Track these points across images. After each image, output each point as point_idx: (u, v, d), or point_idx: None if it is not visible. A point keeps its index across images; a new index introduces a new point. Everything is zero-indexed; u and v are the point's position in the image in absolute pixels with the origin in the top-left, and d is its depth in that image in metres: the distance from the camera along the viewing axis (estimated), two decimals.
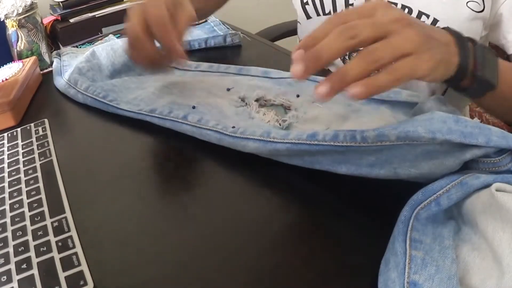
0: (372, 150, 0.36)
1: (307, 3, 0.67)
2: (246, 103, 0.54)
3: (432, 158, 0.35)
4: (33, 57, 0.68)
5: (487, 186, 0.32)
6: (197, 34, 0.79)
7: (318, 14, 0.67)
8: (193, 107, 0.52)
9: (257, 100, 0.53)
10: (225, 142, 0.46)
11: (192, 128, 0.48)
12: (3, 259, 0.35)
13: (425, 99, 0.47)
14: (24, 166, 0.47)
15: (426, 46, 0.35)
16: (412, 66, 0.34)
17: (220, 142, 0.46)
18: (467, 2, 0.56)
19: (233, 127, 0.47)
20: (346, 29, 0.33)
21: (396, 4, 0.59)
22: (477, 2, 0.56)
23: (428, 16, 0.57)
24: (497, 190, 0.31)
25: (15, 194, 0.43)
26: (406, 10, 0.58)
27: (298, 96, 0.53)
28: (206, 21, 0.84)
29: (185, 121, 0.49)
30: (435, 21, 0.57)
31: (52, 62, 0.72)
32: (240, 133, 0.45)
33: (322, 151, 0.39)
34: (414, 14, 0.58)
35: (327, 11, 0.66)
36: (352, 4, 0.62)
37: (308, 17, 0.69)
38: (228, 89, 0.56)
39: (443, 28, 0.43)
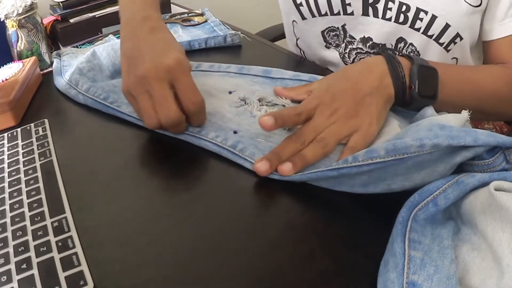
0: (364, 171, 0.36)
1: (301, 4, 0.67)
2: (247, 103, 0.54)
3: (424, 168, 0.35)
4: (33, 57, 0.68)
5: (484, 184, 0.32)
6: (197, 34, 0.79)
7: (313, 16, 0.67)
8: None
9: (258, 100, 0.53)
10: (223, 154, 0.46)
11: (192, 138, 0.49)
12: (3, 259, 0.35)
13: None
14: (24, 166, 0.47)
15: (360, 118, 0.44)
16: (361, 143, 0.44)
17: (219, 153, 0.46)
18: None
19: (235, 132, 0.47)
20: (317, 143, 0.44)
21: (393, 1, 0.58)
22: None
23: (426, 12, 0.57)
24: (496, 190, 0.31)
25: (15, 194, 0.43)
26: (404, 7, 0.58)
27: None
28: (206, 21, 0.84)
29: (185, 131, 0.49)
30: (433, 17, 0.57)
31: (52, 62, 0.72)
32: (239, 150, 0.45)
33: (315, 179, 0.40)
34: (412, 11, 0.58)
35: (323, 12, 0.65)
36: (349, 4, 0.62)
37: (303, 18, 0.68)
38: (230, 92, 0.56)
39: (380, 54, 0.48)
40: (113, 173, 0.46)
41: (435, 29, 0.58)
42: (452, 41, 0.59)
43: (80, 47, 0.79)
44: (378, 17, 0.61)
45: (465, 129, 0.34)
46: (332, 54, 0.70)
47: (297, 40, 0.75)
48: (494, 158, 0.34)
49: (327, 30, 0.68)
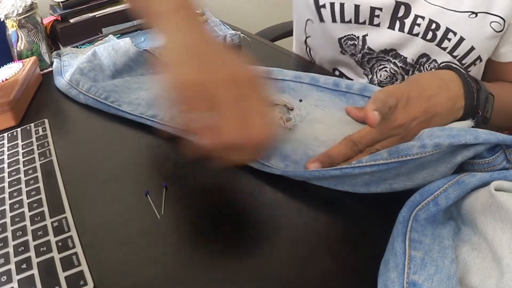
0: (367, 172, 0.37)
1: (323, 6, 0.63)
2: None
3: (425, 168, 0.35)
4: (33, 57, 0.68)
5: (485, 183, 0.32)
6: None
7: (334, 21, 0.63)
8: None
9: None
10: None
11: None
12: (3, 259, 0.35)
13: None
14: (24, 166, 0.47)
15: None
16: None
17: None
18: (491, 22, 0.56)
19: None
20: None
21: (423, 18, 0.58)
22: (499, 23, 0.56)
23: (455, 33, 0.57)
24: (496, 190, 0.31)
25: (15, 194, 0.43)
26: (434, 25, 0.58)
27: (300, 100, 0.54)
28: (206, 21, 0.84)
29: None
30: (461, 39, 0.57)
31: (52, 62, 0.72)
32: None
33: (317, 178, 0.40)
34: (442, 31, 0.58)
35: (347, 20, 0.62)
36: (378, 16, 0.60)
37: (321, 20, 0.65)
38: None
39: (452, 70, 0.48)
40: (113, 173, 0.46)
41: (460, 50, 0.58)
42: (473, 63, 0.60)
43: (80, 47, 0.79)
44: (404, 32, 0.60)
45: (465, 129, 0.34)
46: (347, 60, 0.69)
47: (307, 37, 0.73)
48: (495, 156, 0.34)
49: (345, 38, 0.65)
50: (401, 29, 0.60)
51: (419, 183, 0.36)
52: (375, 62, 0.66)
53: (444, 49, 0.59)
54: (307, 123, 0.49)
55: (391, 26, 0.61)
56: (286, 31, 1.05)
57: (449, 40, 0.58)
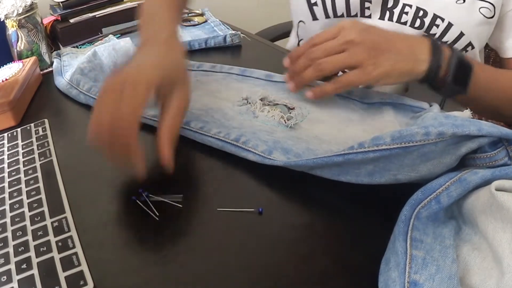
0: (369, 159, 0.36)
1: (315, 4, 0.65)
2: (249, 102, 0.54)
3: (430, 159, 0.35)
4: (33, 57, 0.68)
5: (486, 181, 0.32)
6: (197, 35, 0.79)
7: (327, 17, 0.65)
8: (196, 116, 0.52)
9: (261, 100, 0.54)
10: (227, 149, 0.46)
11: (194, 134, 0.49)
12: (3, 259, 0.35)
13: (427, 106, 0.49)
14: (24, 166, 0.47)
15: (372, 60, 0.46)
16: (352, 77, 0.47)
17: (223, 149, 0.46)
18: (479, 8, 0.56)
19: (237, 134, 0.47)
20: (315, 65, 0.49)
21: (411, 6, 0.59)
22: (488, 8, 0.56)
23: (443, 19, 0.58)
24: (497, 190, 0.31)
25: (15, 194, 0.43)
26: (421, 12, 0.58)
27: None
28: (206, 21, 0.84)
29: (188, 127, 0.49)
30: (449, 25, 0.57)
31: (52, 62, 0.72)
32: (242, 142, 0.45)
33: (320, 166, 0.40)
34: (429, 17, 0.58)
35: (339, 14, 0.64)
36: (368, 8, 0.61)
37: (315, 18, 0.67)
38: (232, 94, 0.57)
39: (425, 36, 0.50)
40: (113, 173, 0.46)
41: (450, 36, 0.58)
42: (464, 49, 0.60)
43: (80, 47, 0.79)
44: (392, 21, 0.61)
45: (469, 119, 0.34)
46: None
47: (299, 41, 0.75)
48: (497, 151, 0.34)
49: None
50: (390, 18, 0.61)
51: (424, 174, 0.36)
52: None
53: (433, 35, 0.59)
54: (308, 122, 0.49)
55: (382, 17, 0.62)
56: (286, 31, 1.05)
57: (437, 26, 0.58)
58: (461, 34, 0.58)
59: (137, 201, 0.41)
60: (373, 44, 0.47)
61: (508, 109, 0.56)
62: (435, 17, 0.58)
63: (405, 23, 0.60)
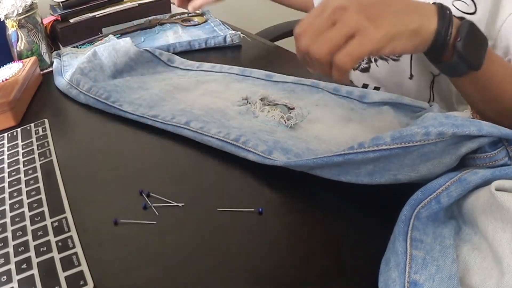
0: (369, 159, 0.36)
1: None
2: (249, 102, 0.54)
3: (430, 159, 0.35)
4: (33, 57, 0.68)
5: (486, 181, 0.32)
6: (197, 34, 0.79)
7: None
8: (196, 115, 0.52)
9: (261, 100, 0.54)
10: (226, 149, 0.46)
11: (194, 134, 0.49)
12: (3, 259, 0.35)
13: (427, 106, 0.48)
14: (24, 166, 0.47)
15: (370, 21, 0.39)
16: (354, 49, 0.39)
17: (223, 149, 0.46)
18: (452, 1, 0.55)
19: (237, 134, 0.47)
20: (310, 55, 0.41)
21: None
22: (465, 3, 0.54)
23: None
24: (497, 190, 0.31)
25: (15, 194, 0.43)
26: None
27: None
28: (206, 21, 0.84)
29: (187, 127, 0.49)
30: None
31: (52, 62, 0.72)
32: (242, 142, 0.45)
33: (320, 166, 0.40)
34: None
35: None
36: None
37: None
38: (232, 94, 0.57)
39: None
40: (113, 173, 0.46)
41: None
42: None
43: (80, 47, 0.79)
44: None
45: (469, 119, 0.34)
46: None
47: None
48: (497, 151, 0.34)
49: None
50: None
51: (424, 174, 0.36)
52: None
53: None
54: (308, 122, 0.49)
55: None
56: (286, 31, 1.05)
57: None
58: None
59: (143, 194, 0.42)
60: (366, 5, 0.40)
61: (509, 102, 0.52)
62: None
63: None
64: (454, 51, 0.42)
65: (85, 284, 0.33)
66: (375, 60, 0.71)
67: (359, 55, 0.39)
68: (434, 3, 0.43)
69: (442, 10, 0.42)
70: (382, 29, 0.39)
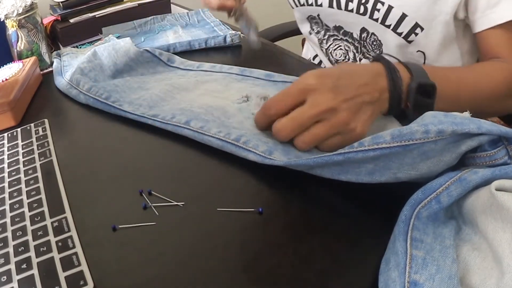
0: (369, 158, 0.36)
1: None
2: (249, 100, 0.54)
3: (429, 158, 0.35)
4: (33, 57, 0.68)
5: (486, 181, 0.32)
6: (197, 34, 0.79)
7: (296, 5, 0.71)
8: (196, 114, 0.52)
9: (261, 99, 0.54)
10: (227, 149, 0.46)
11: (194, 133, 0.49)
12: (3, 259, 0.35)
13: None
14: (24, 166, 0.47)
15: (355, 123, 0.42)
16: (340, 141, 0.42)
17: (223, 148, 0.46)
18: None
19: (238, 134, 0.47)
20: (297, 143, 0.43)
21: None
22: None
23: (383, 3, 0.58)
24: (497, 189, 0.31)
25: (15, 194, 0.43)
26: None
27: None
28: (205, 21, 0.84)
29: (188, 126, 0.49)
30: (390, 8, 0.57)
31: (52, 62, 0.72)
32: (242, 142, 0.45)
33: (321, 165, 0.40)
34: (371, 3, 0.59)
35: (301, 3, 0.69)
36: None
37: (292, 7, 0.74)
38: (232, 94, 0.57)
39: (381, 61, 0.46)
40: (113, 173, 0.46)
41: (392, 19, 0.59)
42: (412, 31, 0.59)
43: (80, 47, 0.79)
44: (341, 9, 0.63)
45: (469, 118, 0.34)
46: (315, 39, 0.75)
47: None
48: (496, 150, 0.34)
49: (309, 18, 0.73)
50: (339, 7, 0.64)
51: (424, 172, 0.36)
52: (332, 42, 0.71)
53: (376, 20, 0.59)
54: None
55: (330, 5, 0.65)
56: (286, 31, 1.05)
57: (378, 10, 0.59)
58: (404, 16, 0.57)
59: (143, 194, 0.42)
60: (349, 98, 0.42)
61: (487, 107, 0.55)
62: (376, 1, 0.59)
63: (351, 11, 0.62)
64: (405, 113, 0.45)
65: (85, 284, 0.33)
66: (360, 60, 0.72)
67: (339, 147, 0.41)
68: (383, 67, 0.45)
69: (393, 84, 0.44)
70: (365, 127, 0.43)
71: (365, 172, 0.38)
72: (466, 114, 0.40)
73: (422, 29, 0.58)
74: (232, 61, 0.65)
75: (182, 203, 0.41)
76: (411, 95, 0.44)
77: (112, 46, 0.67)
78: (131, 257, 0.36)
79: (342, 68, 0.46)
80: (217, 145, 0.47)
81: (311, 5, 0.69)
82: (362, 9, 0.61)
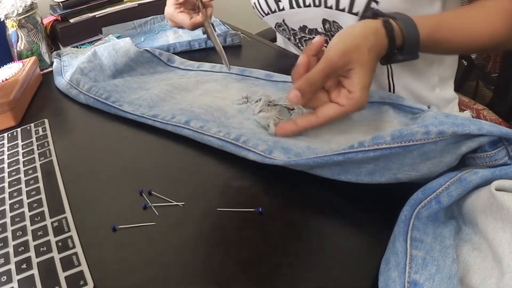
0: (369, 158, 0.36)
1: (254, 5, 0.70)
2: (249, 101, 0.54)
3: (430, 158, 0.35)
4: (33, 57, 0.68)
5: (486, 181, 0.32)
6: (197, 34, 0.79)
7: (262, 15, 0.71)
8: (196, 114, 0.52)
9: (260, 99, 0.54)
10: (227, 148, 0.46)
11: (194, 133, 0.49)
12: (3, 259, 0.35)
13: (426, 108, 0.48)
14: (24, 166, 0.47)
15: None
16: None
17: (223, 148, 0.46)
18: None
19: (237, 133, 0.47)
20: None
21: None
22: None
23: None
24: (497, 190, 0.31)
25: (15, 194, 0.43)
26: None
27: None
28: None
29: (187, 126, 0.49)
30: None
31: (52, 62, 0.72)
32: (242, 142, 0.45)
33: (321, 165, 0.40)
34: None
35: (266, 12, 0.69)
36: (280, 0, 0.65)
37: (260, 17, 0.73)
38: (232, 94, 0.57)
39: (377, 18, 0.49)
40: (113, 173, 0.46)
41: (344, 3, 0.58)
42: (368, 8, 0.58)
43: (80, 47, 0.79)
44: (301, 6, 0.64)
45: (470, 119, 0.34)
46: (293, 45, 0.76)
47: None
48: (497, 151, 0.34)
49: (276, 26, 0.72)
50: (298, 5, 0.64)
51: (424, 173, 0.36)
52: (305, 43, 0.70)
53: (330, 7, 0.60)
54: None
55: (291, 6, 0.65)
56: None
57: None
58: (370, 1, 0.57)
59: (143, 194, 0.42)
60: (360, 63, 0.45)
61: (490, 49, 0.57)
62: None
63: (309, 6, 0.62)
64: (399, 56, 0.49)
65: (85, 284, 0.33)
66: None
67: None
68: (381, 22, 0.48)
69: (389, 34, 0.48)
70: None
71: (365, 172, 0.38)
72: (467, 114, 0.40)
73: (377, 2, 0.58)
74: (232, 61, 0.65)
75: (182, 203, 0.41)
76: (405, 33, 0.48)
77: (112, 46, 0.67)
78: (131, 257, 0.36)
79: (346, 32, 0.48)
80: (217, 144, 0.47)
81: (275, 11, 0.69)
82: (317, 1, 0.61)
